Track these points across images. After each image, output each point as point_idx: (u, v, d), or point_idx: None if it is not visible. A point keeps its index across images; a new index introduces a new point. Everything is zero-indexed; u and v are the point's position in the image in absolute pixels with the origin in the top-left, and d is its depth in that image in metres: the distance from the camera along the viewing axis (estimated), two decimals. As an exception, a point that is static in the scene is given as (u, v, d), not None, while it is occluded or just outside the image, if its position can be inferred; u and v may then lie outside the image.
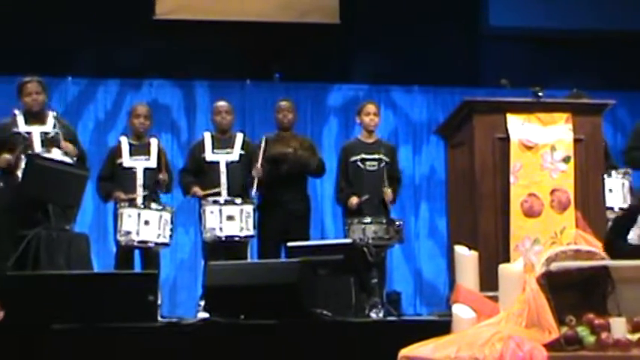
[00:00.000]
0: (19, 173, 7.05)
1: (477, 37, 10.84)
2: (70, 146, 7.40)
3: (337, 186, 8.44)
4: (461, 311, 4.73)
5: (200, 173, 8.13)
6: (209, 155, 8.11)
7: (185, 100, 10.33)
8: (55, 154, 7.16)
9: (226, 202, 7.71)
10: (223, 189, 7.93)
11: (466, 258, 4.98)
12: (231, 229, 7.63)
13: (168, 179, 8.08)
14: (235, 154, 8.11)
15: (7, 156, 7.28)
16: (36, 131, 7.46)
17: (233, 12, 10.33)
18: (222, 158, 8.07)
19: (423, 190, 10.44)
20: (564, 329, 4.08)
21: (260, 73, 10.18)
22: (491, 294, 4.86)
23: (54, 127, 7.54)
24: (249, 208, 7.70)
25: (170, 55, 10.19)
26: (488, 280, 5.07)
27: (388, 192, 8.04)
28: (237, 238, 7.65)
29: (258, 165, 7.90)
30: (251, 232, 7.69)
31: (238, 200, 7.72)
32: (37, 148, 7.35)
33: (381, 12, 10.47)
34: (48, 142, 7.38)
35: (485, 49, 10.80)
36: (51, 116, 7.62)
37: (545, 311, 4.14)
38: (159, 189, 7.90)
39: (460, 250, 5.02)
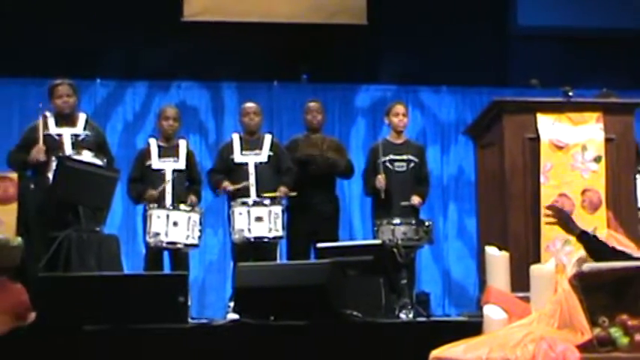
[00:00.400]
0: (50, 175, 7.09)
1: (506, 37, 10.79)
2: None
3: (364, 179, 8.43)
4: (492, 312, 4.72)
5: (229, 174, 8.11)
6: (238, 156, 8.10)
7: (213, 101, 10.35)
8: (86, 156, 7.19)
9: (255, 204, 7.69)
10: (252, 190, 7.92)
11: (497, 258, 4.97)
12: (260, 231, 7.60)
13: (197, 188, 8.14)
14: (264, 155, 8.10)
15: (40, 147, 7.30)
16: (66, 133, 7.50)
17: (260, 13, 10.33)
18: (251, 159, 8.06)
19: (451, 190, 10.42)
20: (597, 330, 4.05)
21: (288, 74, 10.21)
22: (522, 295, 4.84)
23: (84, 129, 7.60)
24: (277, 209, 7.68)
25: (198, 57, 10.22)
26: (519, 281, 5.06)
27: (416, 199, 8.05)
28: (265, 239, 7.62)
29: (281, 190, 7.93)
30: (280, 233, 7.67)
31: (267, 201, 7.70)
32: (68, 150, 7.39)
33: (409, 12, 10.46)
34: (78, 144, 7.44)
35: (514, 49, 10.75)
36: (82, 118, 7.67)
37: (577, 312, 4.11)
38: (186, 205, 7.83)
39: (491, 250, 5.00)
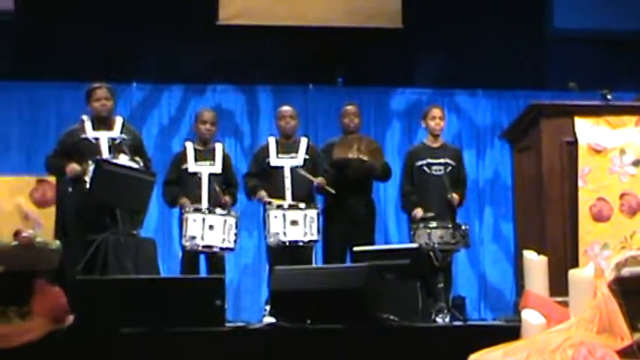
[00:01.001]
0: (87, 178, 7.13)
1: (542, 40, 10.74)
2: None
3: (401, 190, 8.40)
4: (531, 317, 4.69)
5: (264, 178, 8.12)
6: (273, 160, 8.10)
7: (248, 105, 10.37)
8: (123, 159, 7.21)
9: (290, 207, 7.68)
10: (288, 194, 7.92)
11: (535, 263, 4.95)
12: (295, 234, 7.59)
13: (233, 191, 8.14)
14: (300, 158, 8.09)
15: (75, 166, 7.36)
16: (104, 137, 7.53)
17: (296, 17, 10.35)
18: (287, 163, 8.05)
19: (487, 194, 10.39)
20: (637, 335, 4.03)
21: (323, 77, 10.20)
22: (560, 299, 4.81)
23: (121, 132, 7.63)
24: (313, 213, 7.67)
25: (233, 60, 10.22)
26: (557, 285, 5.03)
27: (455, 197, 8.01)
28: (300, 243, 7.61)
29: (320, 179, 7.92)
30: (315, 237, 7.65)
31: (302, 205, 7.70)
32: (105, 153, 7.42)
33: (444, 15, 10.43)
34: (115, 147, 7.47)
35: (551, 52, 10.69)
36: (118, 122, 7.70)
37: (617, 317, 4.10)
38: (221, 208, 7.81)
39: (529, 254, 4.98)
